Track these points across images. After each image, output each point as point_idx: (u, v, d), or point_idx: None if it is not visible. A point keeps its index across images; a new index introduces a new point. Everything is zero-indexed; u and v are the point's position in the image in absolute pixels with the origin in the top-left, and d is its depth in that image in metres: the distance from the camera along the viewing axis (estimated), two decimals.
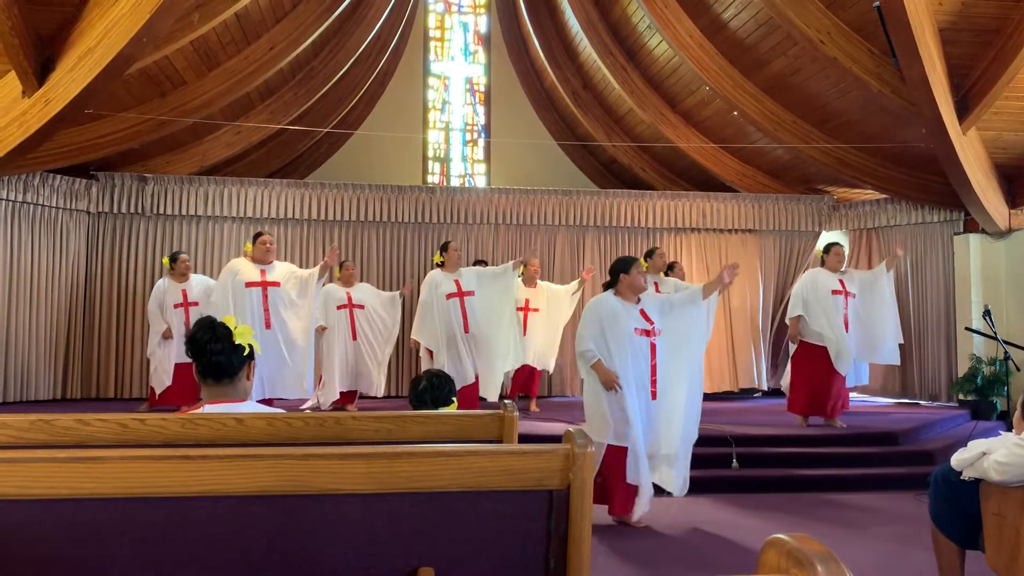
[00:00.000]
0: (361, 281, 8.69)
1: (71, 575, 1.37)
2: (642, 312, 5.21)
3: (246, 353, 2.44)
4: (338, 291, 8.18)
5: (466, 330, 7.17)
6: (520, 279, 8.41)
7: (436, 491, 1.48)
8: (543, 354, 8.49)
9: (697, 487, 6.25)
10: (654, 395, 5.16)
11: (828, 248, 7.57)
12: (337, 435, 2.27)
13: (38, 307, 9.02)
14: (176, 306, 7.91)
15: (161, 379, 7.93)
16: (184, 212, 9.78)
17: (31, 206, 8.98)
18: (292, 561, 1.44)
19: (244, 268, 7.00)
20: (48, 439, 2.10)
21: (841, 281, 7.34)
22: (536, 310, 8.41)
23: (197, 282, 8.07)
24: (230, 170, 10.71)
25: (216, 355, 2.38)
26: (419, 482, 1.47)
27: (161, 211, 9.73)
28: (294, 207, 10.03)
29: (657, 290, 7.48)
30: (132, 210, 9.67)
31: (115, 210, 9.64)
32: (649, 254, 8.02)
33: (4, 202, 8.71)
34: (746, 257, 10.75)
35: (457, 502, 1.49)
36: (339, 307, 8.08)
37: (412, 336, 7.65)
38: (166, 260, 8.28)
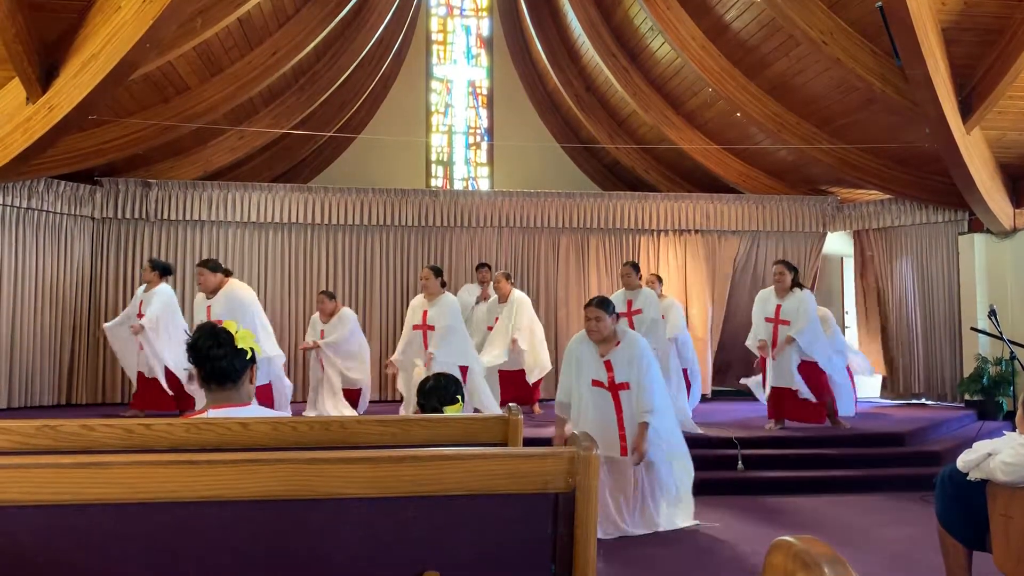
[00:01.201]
0: (342, 304, 8.62)
1: None
2: (607, 363, 4.90)
3: (248, 357, 2.44)
4: (317, 326, 8.21)
5: (426, 364, 6.75)
6: (495, 299, 8.30)
7: (441, 494, 1.47)
8: (530, 364, 8.26)
9: (703, 489, 6.24)
10: (623, 450, 4.85)
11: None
12: (342, 439, 2.27)
13: (43, 313, 9.03)
14: (139, 316, 7.70)
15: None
16: (188, 217, 9.80)
17: (36, 212, 9.00)
18: (297, 565, 1.44)
19: (198, 302, 6.91)
20: (54, 444, 2.11)
21: (778, 307, 7.20)
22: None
23: (156, 299, 7.69)
24: (233, 175, 10.72)
25: (218, 360, 2.39)
26: (424, 485, 1.46)
27: (165, 216, 9.75)
28: (298, 211, 10.04)
29: (629, 308, 7.36)
30: (136, 215, 9.69)
31: (119, 215, 9.66)
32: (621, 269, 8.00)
33: (9, 208, 8.74)
34: (749, 258, 10.76)
35: (462, 505, 1.48)
36: (314, 343, 8.12)
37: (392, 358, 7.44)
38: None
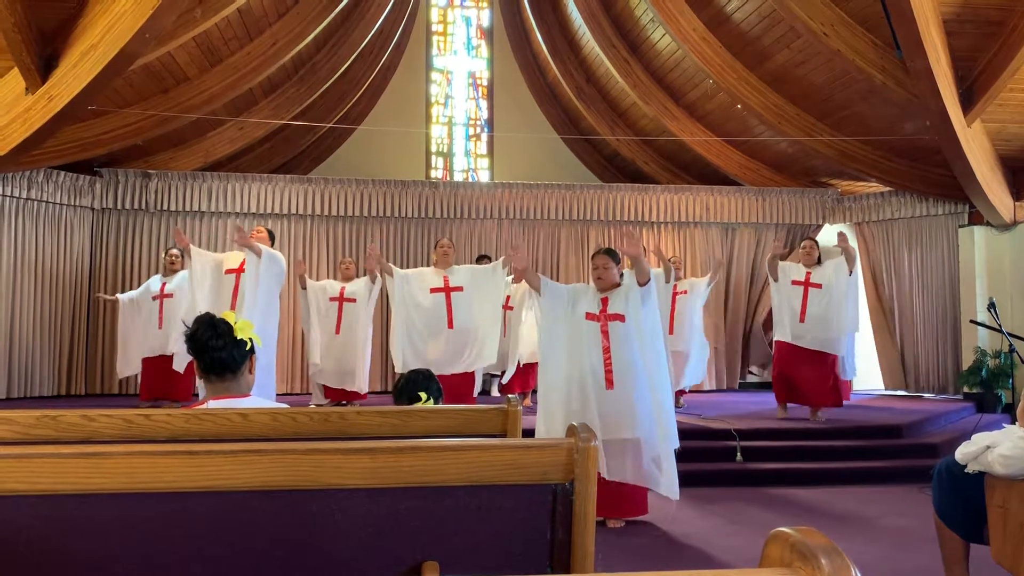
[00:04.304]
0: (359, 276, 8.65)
1: (76, 570, 1.38)
2: (603, 299, 5.03)
3: (248, 348, 2.44)
4: (333, 285, 8.19)
5: (450, 325, 6.92)
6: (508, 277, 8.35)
7: (440, 485, 1.48)
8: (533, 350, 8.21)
9: (701, 480, 6.27)
10: (609, 384, 4.91)
11: (801, 245, 7.80)
12: (341, 430, 2.27)
13: (42, 303, 9.04)
14: (153, 298, 7.93)
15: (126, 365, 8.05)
16: (188, 208, 9.80)
17: (35, 203, 8.99)
18: (296, 555, 1.44)
19: (229, 256, 7.13)
20: (54, 435, 2.11)
21: (808, 273, 7.43)
22: (511, 308, 8.19)
23: (180, 277, 7.92)
24: (233, 166, 10.71)
25: (218, 351, 2.38)
26: (423, 476, 1.47)
27: (165, 207, 9.75)
28: (297, 202, 10.03)
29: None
30: (136, 206, 9.69)
31: (119, 206, 9.66)
32: None
33: (8, 199, 8.73)
34: (749, 250, 10.77)
35: (461, 496, 1.49)
36: (331, 299, 8.06)
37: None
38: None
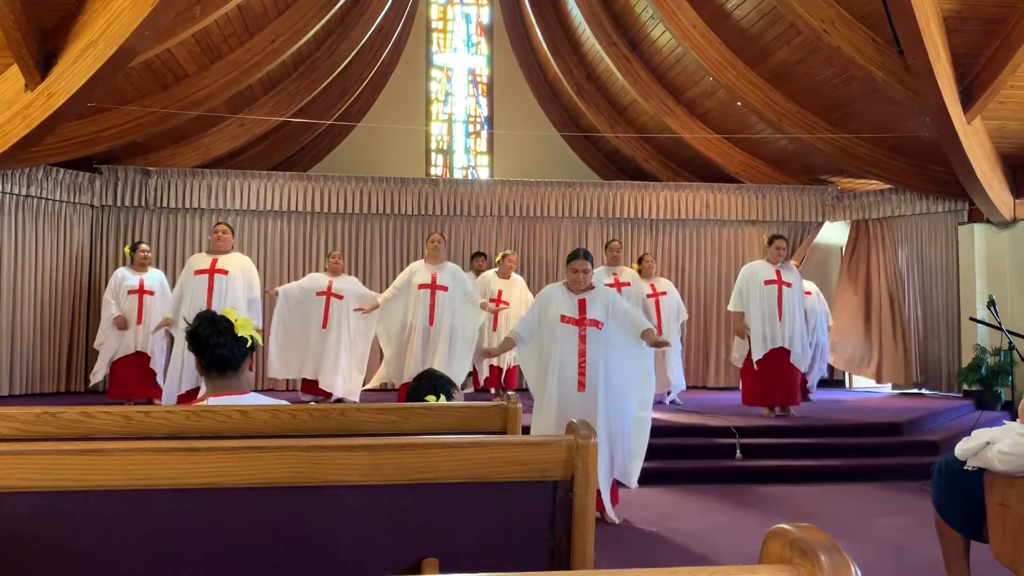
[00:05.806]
0: (349, 274, 8.61)
1: (77, 566, 1.38)
2: (580, 302, 5.01)
3: (248, 345, 2.44)
4: (319, 279, 8.14)
5: (430, 322, 6.92)
6: (495, 271, 8.42)
7: (440, 482, 1.48)
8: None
9: (701, 477, 6.28)
10: (581, 386, 4.92)
11: (771, 241, 7.59)
12: (341, 427, 2.27)
13: (42, 300, 9.04)
14: (131, 292, 7.70)
15: (99, 368, 7.87)
16: (187, 205, 9.80)
17: (35, 200, 8.99)
18: (297, 552, 1.44)
19: (197, 258, 7.16)
20: (54, 431, 2.11)
21: (778, 272, 7.41)
22: (507, 304, 8.20)
23: (155, 274, 7.90)
24: (233, 163, 10.70)
25: (219, 348, 2.39)
26: (423, 473, 1.47)
27: (164, 204, 9.74)
28: (297, 200, 10.03)
29: (616, 281, 7.59)
30: (136, 203, 9.68)
31: (119, 203, 9.65)
32: (606, 247, 8.13)
33: (8, 196, 8.72)
34: (749, 248, 10.76)
35: (461, 493, 1.49)
36: (318, 293, 8.00)
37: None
38: (127, 250, 8.16)
